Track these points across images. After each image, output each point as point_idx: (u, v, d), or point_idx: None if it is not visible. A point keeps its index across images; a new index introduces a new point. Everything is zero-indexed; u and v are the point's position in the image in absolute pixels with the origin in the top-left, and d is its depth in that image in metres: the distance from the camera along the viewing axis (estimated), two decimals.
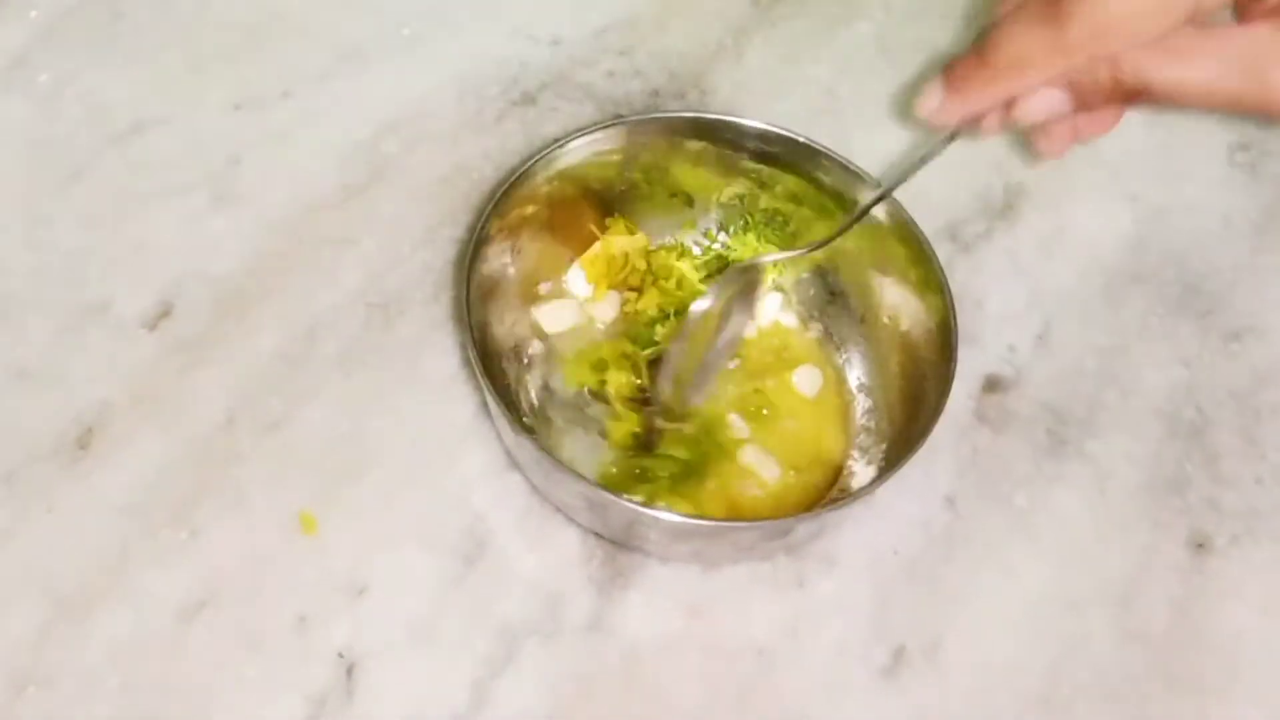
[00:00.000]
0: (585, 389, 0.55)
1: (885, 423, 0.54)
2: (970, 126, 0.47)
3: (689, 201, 0.58)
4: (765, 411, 0.55)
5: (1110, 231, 0.64)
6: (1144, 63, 0.42)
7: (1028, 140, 0.49)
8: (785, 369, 0.56)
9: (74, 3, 0.65)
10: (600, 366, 0.55)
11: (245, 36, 0.65)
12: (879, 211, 0.54)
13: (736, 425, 0.54)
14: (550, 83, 0.65)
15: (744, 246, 0.57)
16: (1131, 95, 0.43)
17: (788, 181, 0.56)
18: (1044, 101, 0.44)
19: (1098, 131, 0.48)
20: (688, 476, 0.53)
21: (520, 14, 0.68)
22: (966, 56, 0.45)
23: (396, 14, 0.67)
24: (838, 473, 0.54)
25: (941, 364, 0.51)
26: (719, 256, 0.58)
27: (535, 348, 0.56)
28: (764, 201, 0.57)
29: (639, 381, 0.54)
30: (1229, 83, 0.42)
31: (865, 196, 0.52)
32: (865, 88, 0.68)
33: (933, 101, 0.46)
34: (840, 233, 0.52)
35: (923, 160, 0.49)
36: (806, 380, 0.56)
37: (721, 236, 0.58)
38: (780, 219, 0.57)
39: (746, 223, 0.57)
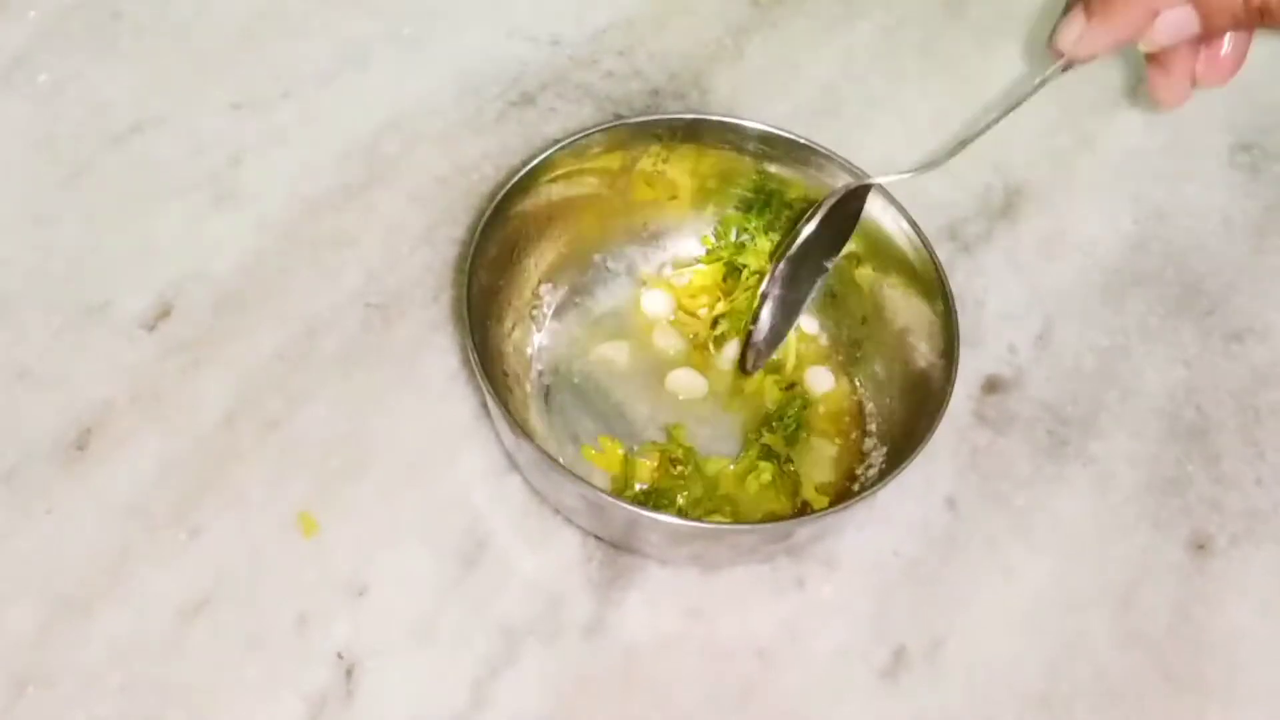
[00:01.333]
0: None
1: (886, 424, 0.54)
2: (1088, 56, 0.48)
3: (690, 203, 0.58)
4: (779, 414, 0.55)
5: (1110, 231, 0.64)
6: None
7: (1149, 89, 0.50)
8: (800, 368, 0.57)
9: (74, 3, 0.65)
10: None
11: (245, 36, 0.65)
12: (879, 212, 0.54)
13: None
14: (550, 83, 0.65)
15: (759, 250, 0.57)
16: (1255, 13, 0.44)
17: (790, 183, 0.56)
18: (1174, 20, 0.45)
19: (1218, 77, 0.48)
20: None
21: (520, 14, 0.68)
22: None
23: (396, 14, 0.67)
24: (839, 474, 0.54)
25: (942, 365, 0.51)
26: (736, 248, 0.58)
27: (536, 346, 0.56)
28: (775, 202, 0.57)
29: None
30: None
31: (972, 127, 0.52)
32: (865, 88, 0.68)
33: (1074, 32, 0.47)
34: (965, 143, 0.52)
35: (1039, 86, 0.49)
36: (819, 381, 0.56)
37: (741, 237, 0.58)
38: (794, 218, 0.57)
39: (771, 222, 0.57)
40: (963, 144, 0.52)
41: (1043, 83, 0.50)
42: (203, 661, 0.48)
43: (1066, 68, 0.49)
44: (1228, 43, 0.48)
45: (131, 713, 0.46)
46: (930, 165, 0.52)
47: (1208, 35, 0.46)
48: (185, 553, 0.50)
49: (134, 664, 0.47)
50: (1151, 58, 0.49)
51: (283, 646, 0.48)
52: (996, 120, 0.51)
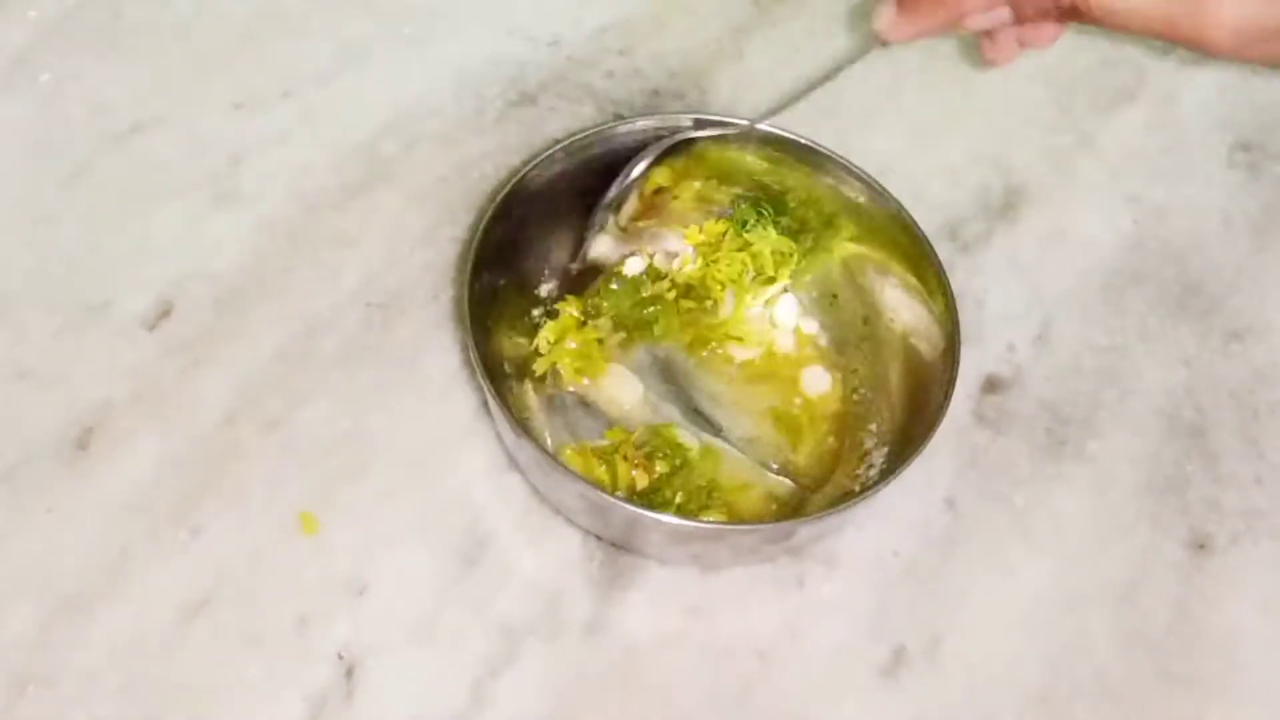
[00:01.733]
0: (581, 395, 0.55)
1: (887, 424, 0.54)
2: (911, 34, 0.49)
3: (693, 202, 0.58)
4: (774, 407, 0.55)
5: (1110, 231, 0.64)
6: None
7: (980, 51, 0.51)
8: (794, 368, 0.56)
9: (74, 3, 0.65)
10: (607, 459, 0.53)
11: (245, 36, 0.65)
12: (880, 212, 0.54)
13: (738, 459, 0.54)
14: (550, 83, 0.65)
15: (763, 240, 0.57)
16: (1067, 13, 0.45)
17: (791, 182, 0.56)
18: (986, 18, 0.48)
19: (1042, 42, 0.50)
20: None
21: (520, 14, 0.68)
22: None
23: (396, 14, 0.67)
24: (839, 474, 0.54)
25: (943, 366, 0.51)
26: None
27: (537, 345, 0.56)
28: (776, 199, 0.57)
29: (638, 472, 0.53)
30: (1160, 5, 0.43)
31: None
32: (865, 88, 0.68)
33: (886, 18, 0.49)
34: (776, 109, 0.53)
35: (844, 65, 0.51)
36: (814, 381, 0.56)
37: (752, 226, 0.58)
38: (795, 216, 0.57)
39: (761, 214, 0.57)
40: (794, 100, 0.53)
41: (861, 55, 0.51)
42: (203, 661, 0.48)
43: (885, 44, 0.50)
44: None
45: (131, 713, 0.46)
46: (764, 116, 0.54)
47: (1021, 21, 0.48)
48: (185, 553, 0.50)
49: (134, 664, 0.47)
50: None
51: (283, 646, 0.48)
52: (824, 81, 0.52)
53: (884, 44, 0.50)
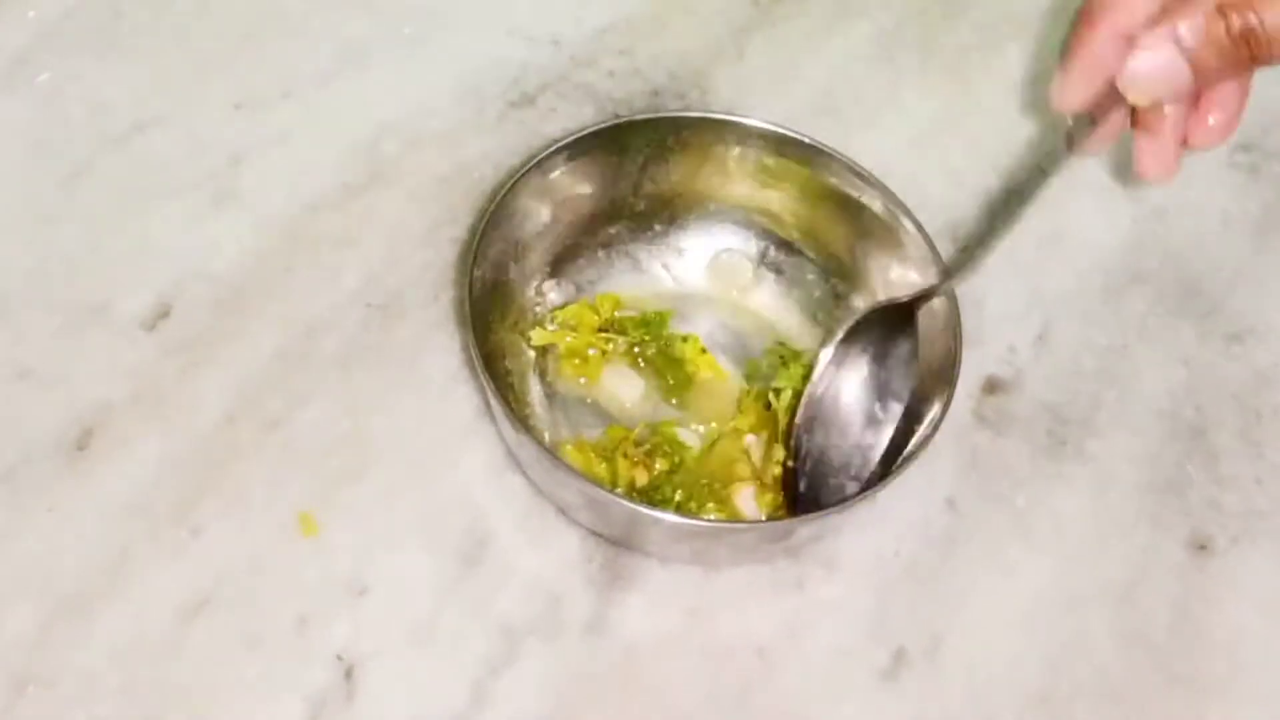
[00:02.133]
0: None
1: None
2: (1094, 136, 0.46)
3: (693, 201, 0.58)
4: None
5: (1110, 231, 0.64)
6: (1263, 6, 0.39)
7: (1135, 162, 0.48)
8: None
9: (74, 3, 0.65)
10: (607, 456, 0.53)
11: (245, 36, 0.65)
12: (882, 211, 0.54)
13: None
14: (550, 83, 0.65)
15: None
16: (1252, 49, 0.40)
17: (793, 182, 0.56)
18: (1154, 59, 0.42)
19: (1211, 138, 0.46)
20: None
21: (520, 14, 0.68)
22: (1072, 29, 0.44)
23: (396, 14, 0.67)
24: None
25: (944, 366, 0.51)
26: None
27: (538, 344, 0.56)
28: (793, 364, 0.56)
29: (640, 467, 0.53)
30: None
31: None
32: (865, 88, 0.68)
33: (1055, 83, 0.45)
34: (977, 254, 0.51)
35: (1044, 173, 0.48)
36: None
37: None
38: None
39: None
40: (984, 248, 0.51)
41: (1050, 174, 0.48)
42: (203, 661, 0.48)
43: (1071, 147, 0.46)
44: (1221, 96, 0.45)
45: (131, 713, 0.46)
46: (953, 276, 0.52)
47: (1200, 80, 0.42)
48: (185, 553, 0.50)
49: (134, 664, 0.47)
50: (1139, 124, 0.47)
51: (283, 647, 0.48)
52: (1015, 214, 0.49)
53: (1070, 147, 0.45)
